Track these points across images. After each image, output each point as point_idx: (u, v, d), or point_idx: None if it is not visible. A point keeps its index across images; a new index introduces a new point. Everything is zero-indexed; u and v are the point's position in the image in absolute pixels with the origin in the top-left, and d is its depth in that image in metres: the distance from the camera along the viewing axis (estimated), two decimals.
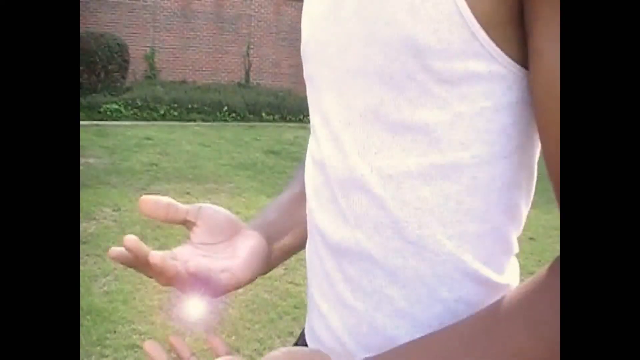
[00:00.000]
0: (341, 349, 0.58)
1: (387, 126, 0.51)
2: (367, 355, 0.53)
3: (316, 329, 0.62)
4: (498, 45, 0.47)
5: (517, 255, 0.58)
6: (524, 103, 0.50)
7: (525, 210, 0.56)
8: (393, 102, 0.50)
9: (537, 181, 0.56)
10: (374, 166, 0.52)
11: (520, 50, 0.48)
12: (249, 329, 2.76)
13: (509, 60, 0.48)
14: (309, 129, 0.63)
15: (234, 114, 9.69)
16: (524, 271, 0.58)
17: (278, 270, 3.31)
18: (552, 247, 4.20)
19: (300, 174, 0.75)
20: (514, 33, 0.47)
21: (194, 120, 9.15)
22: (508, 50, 0.47)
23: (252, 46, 12.12)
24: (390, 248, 0.53)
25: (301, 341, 0.68)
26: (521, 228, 0.57)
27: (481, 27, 0.46)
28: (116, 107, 8.80)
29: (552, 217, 4.59)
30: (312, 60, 0.59)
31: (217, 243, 0.62)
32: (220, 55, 11.99)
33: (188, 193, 4.93)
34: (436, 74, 0.48)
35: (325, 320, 0.60)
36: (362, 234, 0.54)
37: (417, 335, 0.51)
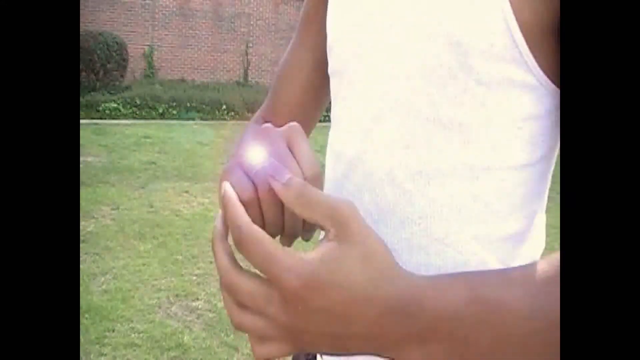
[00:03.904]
0: None
1: (419, 121, 0.51)
2: None
3: None
4: (535, 56, 0.48)
5: None
6: (553, 117, 0.51)
7: (541, 220, 0.57)
8: (429, 98, 0.51)
9: None
10: (403, 161, 0.52)
11: (554, 66, 0.48)
12: None
13: (541, 73, 0.48)
14: None
15: (232, 113, 9.69)
16: None
17: None
18: (551, 246, 4.19)
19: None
20: (550, 48, 0.48)
21: (193, 119, 9.14)
22: (543, 63, 0.48)
23: (250, 45, 12.11)
24: (415, 245, 0.53)
25: None
26: (542, 240, 0.57)
27: (522, 35, 0.47)
28: (115, 105, 8.79)
29: (550, 216, 4.59)
30: (343, 54, 0.58)
31: None
32: (218, 54, 11.98)
33: (187, 192, 4.92)
34: (476, 74, 0.48)
35: None
36: (386, 229, 0.54)
37: None
